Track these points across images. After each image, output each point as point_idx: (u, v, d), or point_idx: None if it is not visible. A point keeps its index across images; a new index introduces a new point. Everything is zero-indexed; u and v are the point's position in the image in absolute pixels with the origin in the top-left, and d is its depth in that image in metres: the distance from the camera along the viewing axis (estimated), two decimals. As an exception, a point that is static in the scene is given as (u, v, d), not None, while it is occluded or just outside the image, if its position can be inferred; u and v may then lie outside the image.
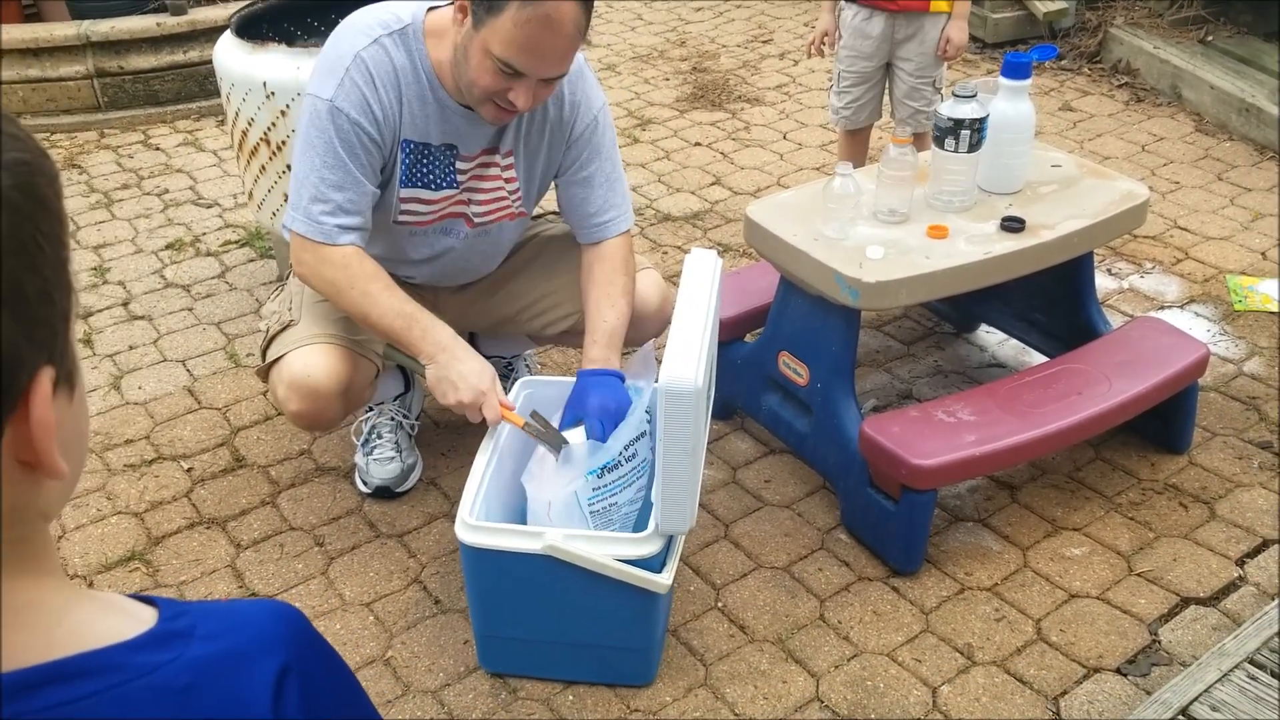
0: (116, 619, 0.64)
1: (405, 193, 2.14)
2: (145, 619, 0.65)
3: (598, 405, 2.04)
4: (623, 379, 2.12)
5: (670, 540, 1.95)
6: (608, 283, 2.22)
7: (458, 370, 2.06)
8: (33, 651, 0.59)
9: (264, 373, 2.27)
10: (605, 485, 1.99)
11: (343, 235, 2.06)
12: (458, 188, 2.17)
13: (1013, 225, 2.36)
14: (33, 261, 0.57)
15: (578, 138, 2.19)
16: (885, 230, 2.37)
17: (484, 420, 2.08)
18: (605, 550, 1.88)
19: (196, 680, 0.63)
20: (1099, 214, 2.44)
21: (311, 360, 2.17)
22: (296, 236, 2.08)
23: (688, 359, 1.76)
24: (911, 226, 2.38)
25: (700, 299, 1.91)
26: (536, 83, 1.94)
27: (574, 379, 2.17)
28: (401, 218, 2.18)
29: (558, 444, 2.04)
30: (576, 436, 2.02)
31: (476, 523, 1.92)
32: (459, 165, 2.14)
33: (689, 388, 1.73)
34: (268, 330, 2.28)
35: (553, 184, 2.31)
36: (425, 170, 2.13)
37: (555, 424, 2.09)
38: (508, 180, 2.21)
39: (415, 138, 2.09)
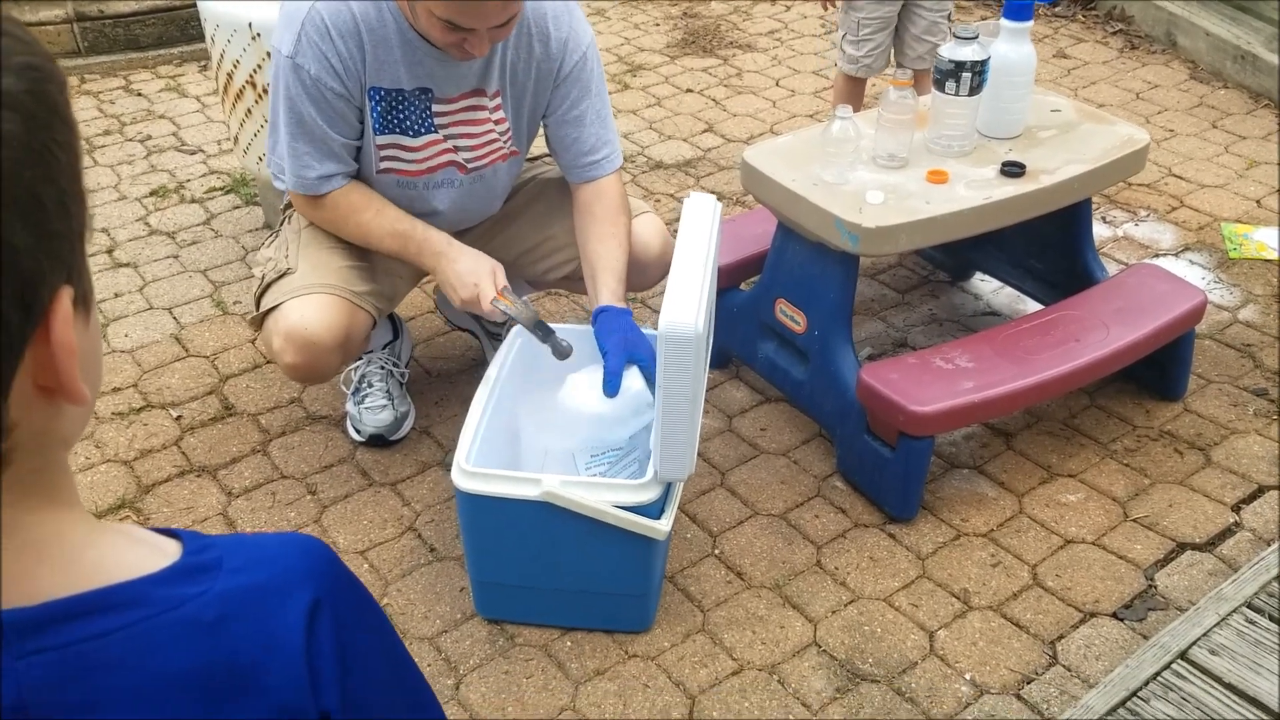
0: (140, 552, 0.62)
1: (382, 139, 2.11)
2: (170, 552, 0.62)
3: (647, 347, 2.02)
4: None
5: (669, 487, 1.93)
6: (611, 221, 2.20)
7: (454, 271, 2.10)
8: (56, 585, 0.57)
9: (257, 321, 2.23)
10: (602, 457, 1.98)
11: (325, 184, 2.12)
12: (437, 131, 2.13)
13: (1013, 170, 2.34)
14: (48, 171, 0.54)
15: (566, 76, 2.15)
16: (884, 175, 2.34)
17: (501, 320, 2.13)
18: (604, 497, 1.86)
19: (226, 614, 0.60)
20: (1099, 159, 2.41)
21: (309, 311, 2.13)
22: (292, 190, 2.13)
23: (688, 303, 1.73)
24: (911, 171, 2.35)
25: (700, 244, 1.88)
26: (490, 29, 1.91)
27: (570, 326, 2.14)
28: (383, 165, 2.14)
29: (554, 345, 2.05)
30: (633, 379, 2.00)
31: (473, 469, 1.90)
32: (435, 109, 2.10)
33: (689, 333, 1.71)
34: (262, 277, 2.24)
35: (541, 124, 2.27)
36: (400, 116, 2.09)
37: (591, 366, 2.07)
38: (497, 121, 2.17)
39: (385, 84, 2.05)
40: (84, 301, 0.59)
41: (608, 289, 2.12)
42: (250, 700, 0.60)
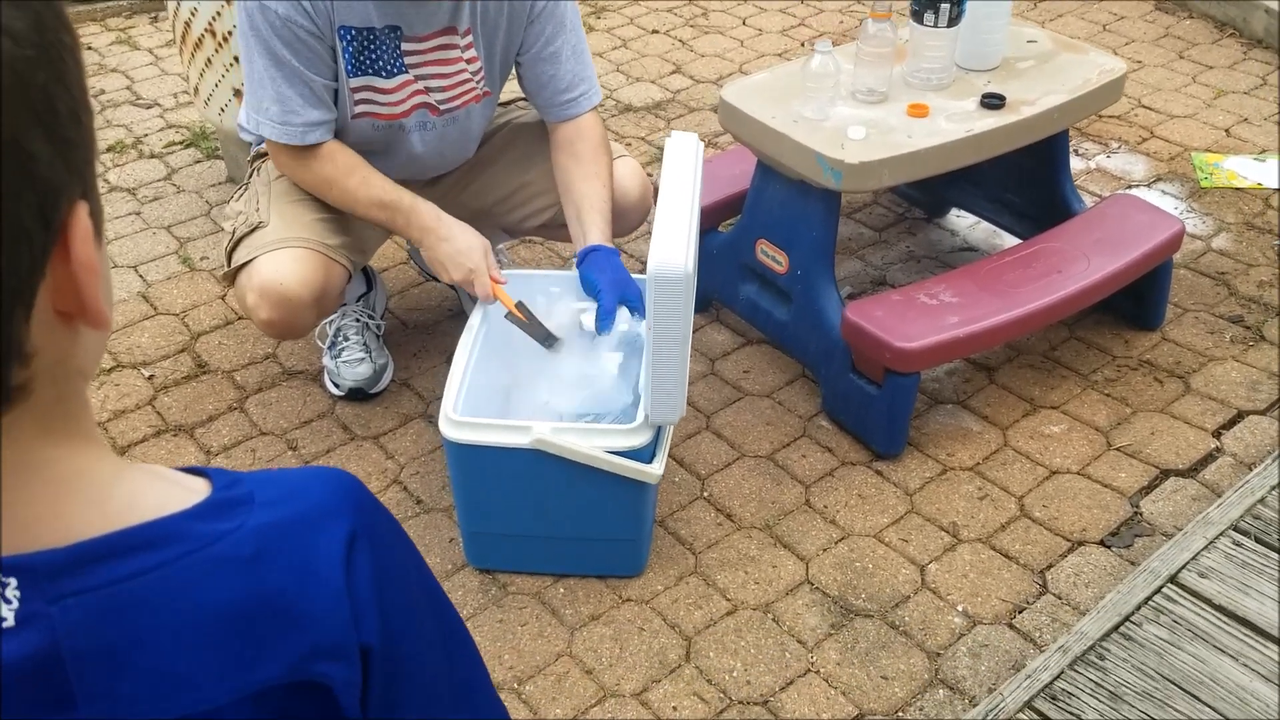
0: (168, 488, 0.59)
1: (355, 82, 2.05)
2: (198, 489, 0.60)
3: (635, 289, 2.01)
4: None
5: (659, 430, 1.92)
6: (594, 159, 2.16)
7: (445, 251, 2.06)
8: (89, 524, 0.54)
9: (230, 277, 2.18)
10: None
11: (311, 133, 2.04)
12: (407, 72, 2.07)
13: (993, 102, 2.32)
14: (61, 74, 0.51)
15: (540, 13, 2.10)
16: (865, 110, 2.31)
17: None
18: (595, 443, 1.85)
19: (264, 548, 0.58)
20: (1078, 89, 2.40)
21: (284, 266, 2.08)
22: (270, 142, 2.07)
23: (676, 244, 1.71)
24: (891, 106, 2.32)
25: (684, 183, 1.85)
26: None
27: (554, 271, 2.12)
28: (358, 109, 2.09)
29: (544, 338, 2.00)
30: (621, 322, 1.99)
31: (461, 418, 1.87)
32: (405, 47, 2.05)
33: (679, 273, 1.68)
34: (234, 232, 2.18)
35: (515, 65, 2.22)
36: (372, 55, 2.03)
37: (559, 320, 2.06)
38: (469, 61, 2.11)
39: (355, 23, 1.99)
40: (97, 220, 0.55)
41: (596, 228, 2.09)
42: (292, 635, 0.58)
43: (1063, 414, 2.42)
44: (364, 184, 2.07)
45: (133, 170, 3.35)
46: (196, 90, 2.97)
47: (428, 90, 2.11)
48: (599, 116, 2.23)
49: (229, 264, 2.18)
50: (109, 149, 3.45)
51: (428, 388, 2.52)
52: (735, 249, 2.53)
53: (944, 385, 2.51)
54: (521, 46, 2.14)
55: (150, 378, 2.58)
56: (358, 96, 2.07)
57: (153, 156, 3.42)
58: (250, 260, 2.11)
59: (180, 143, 3.48)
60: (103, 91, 3.78)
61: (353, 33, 1.99)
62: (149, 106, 3.69)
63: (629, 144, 3.44)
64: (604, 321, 1.96)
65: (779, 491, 2.25)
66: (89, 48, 4.06)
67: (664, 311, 1.72)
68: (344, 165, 2.06)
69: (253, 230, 2.15)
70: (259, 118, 2.03)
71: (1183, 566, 1.91)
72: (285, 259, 2.09)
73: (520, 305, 2.05)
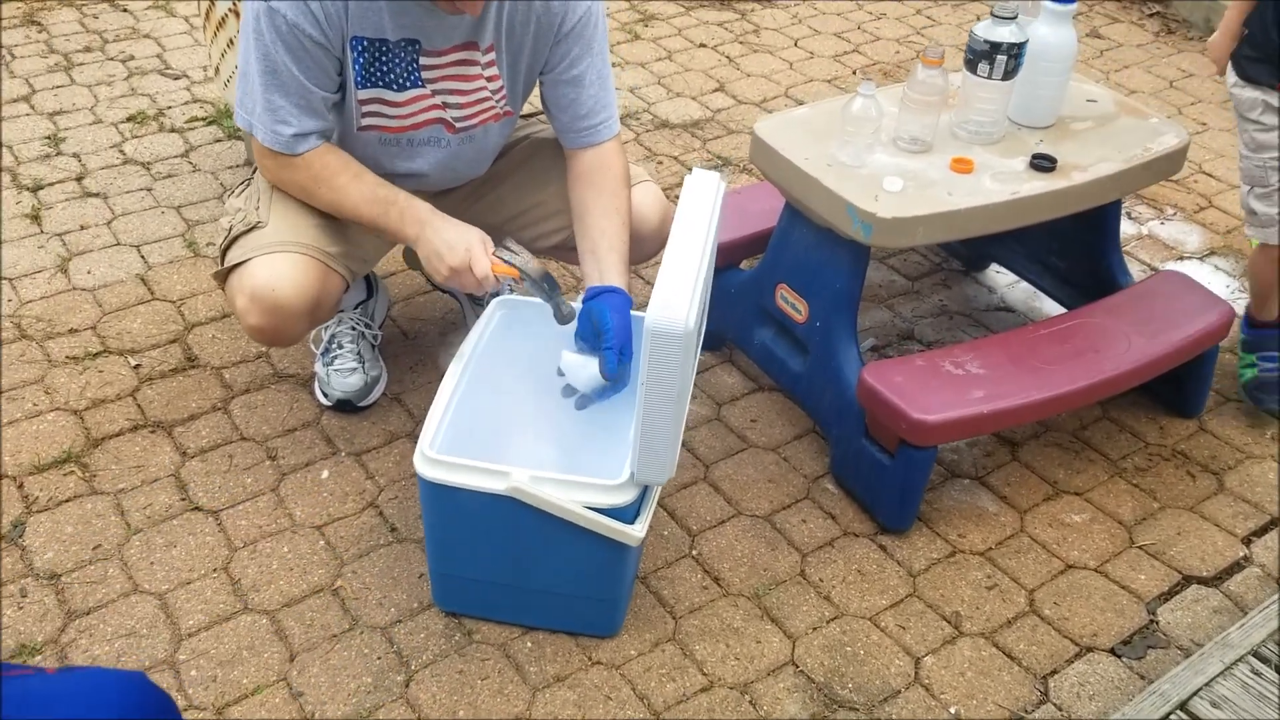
0: None
1: (364, 94, 1.93)
2: None
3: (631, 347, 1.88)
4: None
5: (646, 489, 1.79)
6: (613, 194, 2.03)
7: (441, 239, 1.92)
8: None
9: (222, 276, 2.06)
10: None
11: (301, 143, 1.92)
12: (424, 86, 1.95)
13: (1043, 164, 2.17)
14: None
15: (568, 33, 1.97)
16: (905, 159, 2.17)
17: (486, 291, 1.94)
18: (574, 496, 1.72)
19: None
20: (1135, 158, 2.24)
21: (278, 271, 1.96)
22: (257, 142, 1.95)
23: (679, 296, 1.58)
24: (934, 157, 2.18)
25: (698, 227, 1.71)
26: None
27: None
28: (365, 121, 1.97)
29: (557, 305, 1.88)
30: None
31: (437, 456, 1.75)
32: (423, 61, 1.92)
33: (678, 329, 1.55)
34: (230, 229, 2.06)
35: (538, 82, 2.09)
36: (384, 69, 1.91)
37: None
38: (490, 79, 1.99)
39: (368, 34, 1.87)
40: None
41: (616, 271, 1.95)
42: None
43: (1086, 502, 2.26)
44: (355, 180, 1.94)
45: (150, 143, 3.26)
46: (217, 70, 2.87)
47: (445, 106, 1.98)
48: (621, 146, 2.09)
49: (222, 262, 2.06)
50: (129, 118, 3.35)
51: (420, 406, 2.40)
52: (755, 290, 2.39)
53: (963, 457, 2.36)
54: (545, 65, 2.02)
55: (136, 367, 2.48)
56: (366, 109, 1.95)
57: (173, 130, 3.32)
58: (244, 261, 2.00)
59: (203, 118, 3.38)
60: (131, 57, 3.69)
61: (365, 43, 1.87)
62: (177, 78, 3.60)
63: (660, 162, 3.31)
64: (610, 363, 1.83)
65: (773, 558, 2.11)
66: (124, 9, 3.98)
67: (659, 367, 1.59)
68: (334, 165, 1.94)
69: (250, 229, 2.03)
70: (248, 117, 1.92)
71: (1195, 692, 1.76)
72: (281, 264, 1.98)
73: (520, 266, 1.91)
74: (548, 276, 1.90)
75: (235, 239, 2.04)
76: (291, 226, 2.02)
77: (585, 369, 1.85)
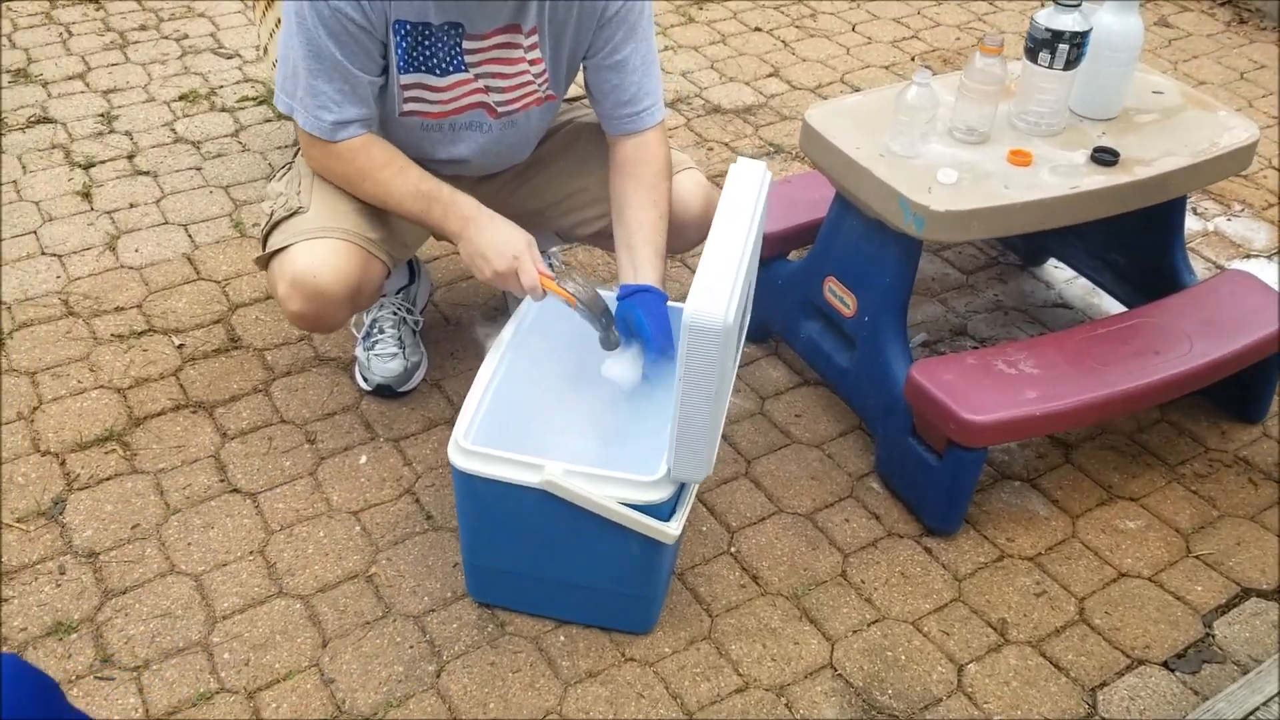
0: None
1: (406, 79, 1.90)
2: None
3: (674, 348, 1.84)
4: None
5: (683, 486, 1.74)
6: (653, 186, 1.98)
7: (486, 240, 1.88)
8: None
9: (264, 261, 2.05)
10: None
11: (342, 130, 1.89)
12: (467, 70, 1.91)
13: (1104, 158, 2.09)
14: None
15: (612, 17, 1.92)
16: (961, 151, 2.10)
17: (533, 300, 1.90)
18: (609, 491, 1.68)
19: None
20: (1201, 153, 2.15)
21: (319, 258, 1.94)
22: (301, 130, 1.93)
23: (719, 290, 1.53)
24: (990, 149, 2.11)
25: (741, 218, 1.66)
26: None
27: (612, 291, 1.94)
28: (407, 107, 1.94)
29: (606, 327, 1.84)
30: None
31: (471, 447, 1.72)
32: (466, 45, 1.89)
33: (717, 325, 1.51)
34: (271, 214, 2.05)
35: (581, 66, 2.05)
36: (427, 53, 1.88)
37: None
38: (533, 62, 1.95)
39: (410, 18, 1.84)
40: None
41: (651, 267, 1.91)
42: None
43: (1142, 508, 2.19)
44: (400, 174, 1.92)
45: (201, 123, 3.26)
46: (265, 50, 2.86)
47: (487, 90, 1.95)
48: (664, 135, 2.05)
49: (263, 248, 2.05)
50: (181, 97, 3.36)
51: (460, 392, 2.38)
52: (802, 282, 2.33)
53: (1014, 459, 2.29)
54: (589, 49, 1.97)
55: (180, 347, 2.48)
56: (408, 94, 1.92)
57: (224, 110, 3.33)
58: (285, 247, 1.98)
59: (254, 98, 3.38)
60: (186, 36, 3.70)
61: (407, 27, 1.84)
62: (229, 57, 3.61)
63: (710, 148, 3.25)
64: (654, 356, 1.79)
65: (814, 557, 2.06)
66: (181, -10, 3.99)
67: (697, 363, 1.54)
68: (379, 158, 1.91)
69: (291, 215, 2.02)
70: (290, 101, 1.90)
71: (1252, 712, 1.69)
72: (322, 250, 1.96)
73: (573, 292, 1.86)
74: (604, 308, 1.85)
75: (277, 224, 2.03)
76: (333, 212, 2.00)
77: (627, 373, 1.83)
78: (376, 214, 2.02)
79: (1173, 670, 1.89)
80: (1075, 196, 2.01)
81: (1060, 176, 2.05)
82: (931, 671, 1.87)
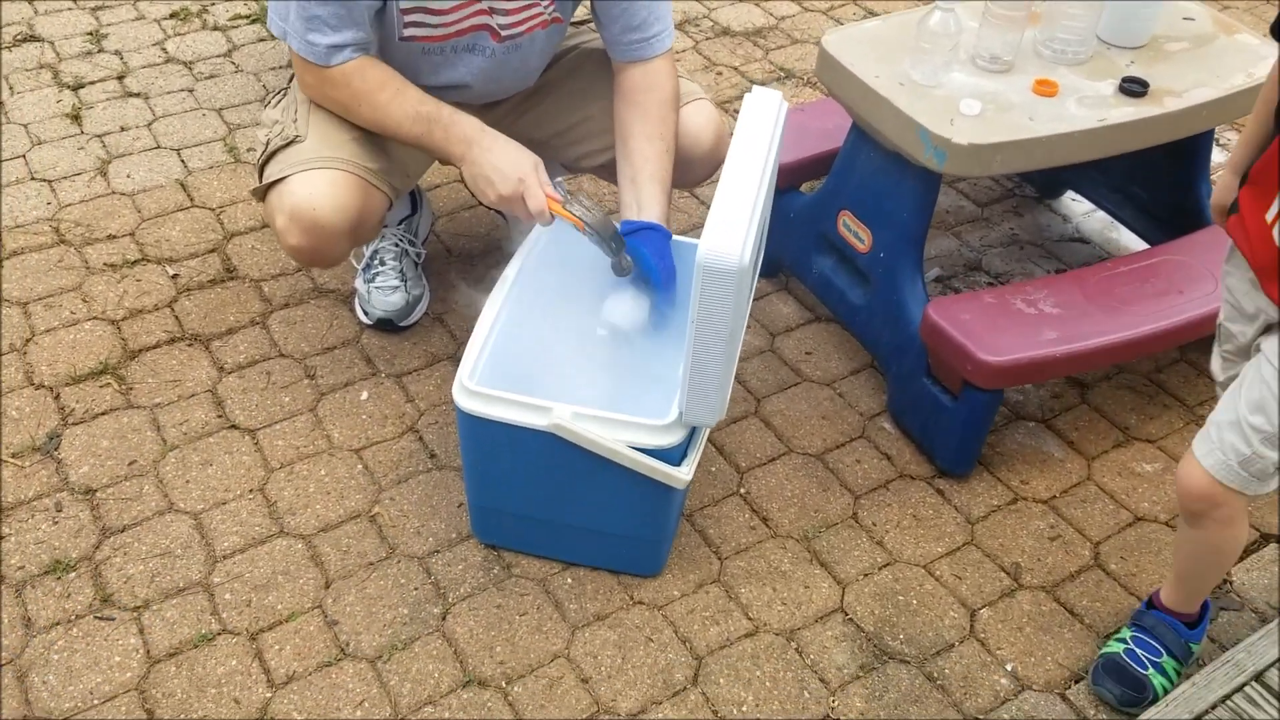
0: None
1: (407, 3, 1.81)
2: None
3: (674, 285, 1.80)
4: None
5: (694, 429, 1.70)
6: (660, 118, 1.90)
7: (490, 163, 1.80)
8: None
9: (260, 193, 1.97)
10: None
11: (336, 55, 1.81)
12: None
13: (1133, 89, 2.01)
14: None
15: None
16: (984, 80, 2.01)
17: (540, 224, 1.83)
18: (619, 435, 1.64)
19: None
20: (1235, 84, 2.06)
21: (318, 189, 1.87)
22: (295, 55, 1.84)
23: (734, 229, 1.46)
24: (1015, 78, 2.02)
25: (756, 153, 1.59)
26: None
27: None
28: (407, 32, 1.85)
29: (610, 234, 1.76)
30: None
31: (476, 388, 1.67)
32: None
33: (732, 265, 1.44)
34: (268, 143, 1.97)
35: None
36: None
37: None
38: None
39: None
40: None
41: (655, 203, 1.84)
42: None
43: (1159, 450, 2.14)
44: (397, 96, 1.83)
45: (193, 42, 3.15)
46: (259, -34, 2.75)
47: (491, 12, 1.86)
48: (673, 65, 1.96)
49: (259, 178, 1.97)
50: (172, 15, 3.25)
51: (463, 327, 2.32)
52: (815, 216, 2.26)
53: (1029, 398, 2.24)
54: None
55: (174, 277, 2.42)
56: (408, 19, 1.83)
57: (216, 29, 3.22)
58: (283, 178, 1.91)
59: (247, 16, 3.27)
60: (176, -49, 3.56)
61: None
62: (221, -27, 3.47)
63: (719, 72, 3.15)
64: (659, 296, 1.75)
65: (824, 499, 2.02)
66: (170, -99, 3.83)
67: (711, 305, 1.48)
68: (374, 80, 1.83)
69: (288, 144, 1.94)
70: (284, 25, 1.81)
71: (1272, 664, 1.66)
72: (320, 181, 1.88)
73: (581, 216, 1.79)
74: (614, 231, 1.78)
75: (273, 154, 1.95)
76: (331, 140, 1.92)
77: (631, 313, 1.77)
78: (377, 142, 1.94)
79: (1188, 617, 1.86)
80: (1103, 130, 1.93)
81: (1087, 108, 1.97)
82: (944, 616, 1.84)
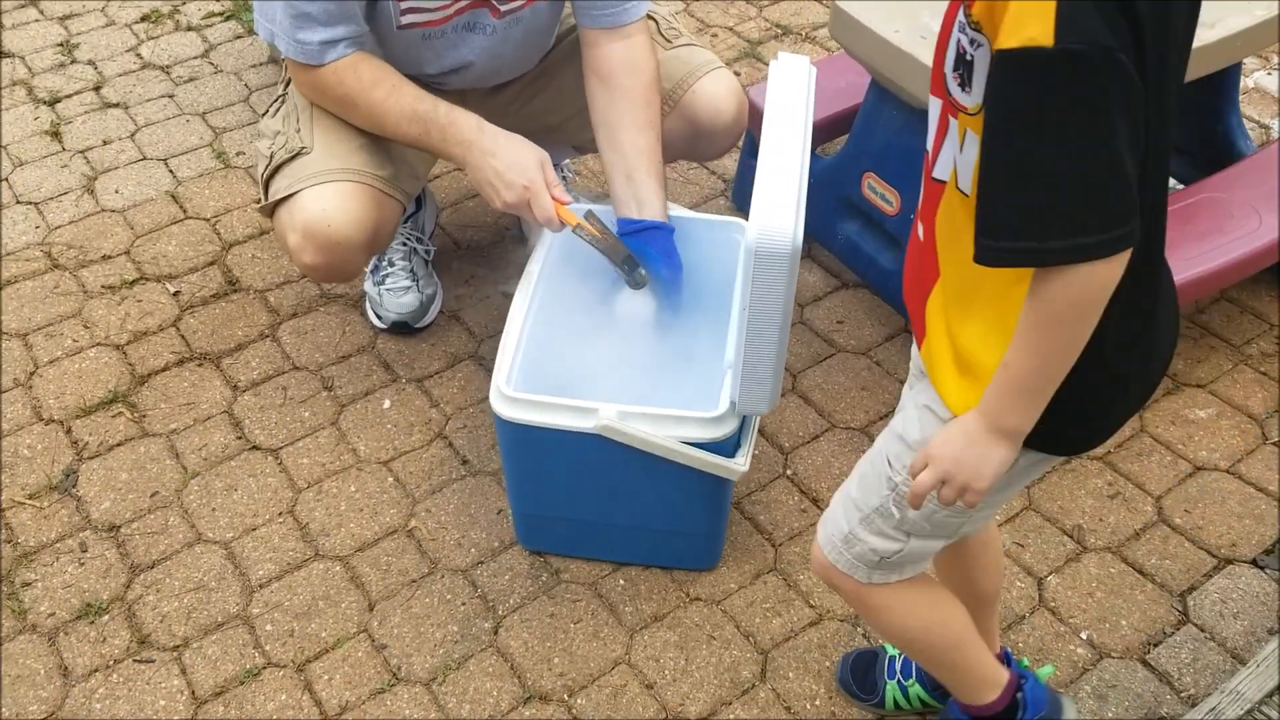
0: None
1: None
2: None
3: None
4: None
5: (744, 419, 1.62)
6: (647, 104, 1.80)
7: (492, 168, 1.71)
8: None
9: (268, 210, 1.88)
10: None
11: (329, 51, 1.72)
12: None
13: (1164, 22, 1.92)
14: None
15: None
16: (1009, 27, 1.92)
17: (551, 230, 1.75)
18: (670, 431, 1.56)
19: None
20: (1269, 9, 1.98)
21: (331, 203, 1.78)
22: (287, 57, 1.76)
23: (783, 208, 1.38)
24: (1041, 22, 1.93)
25: (794, 124, 1.50)
26: None
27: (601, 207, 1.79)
28: (405, 19, 1.76)
29: (625, 260, 1.70)
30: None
31: (516, 394, 1.59)
32: None
33: (785, 247, 1.37)
34: (271, 156, 1.87)
35: None
36: None
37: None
38: None
39: None
40: None
41: (656, 199, 1.75)
42: None
43: (1211, 395, 2.08)
44: (393, 94, 1.74)
45: (167, 45, 3.04)
46: (232, -38, 2.64)
47: None
48: (650, 37, 1.85)
49: (266, 195, 1.88)
50: (143, 18, 3.13)
51: (480, 323, 2.24)
52: (837, 179, 2.18)
53: (1070, 351, 2.17)
54: None
55: (176, 294, 2.33)
56: (404, 5, 1.74)
57: (190, 29, 3.10)
58: (292, 194, 1.81)
59: (220, 14, 3.15)
60: (139, -49, 3.43)
61: None
62: (188, -30, 3.35)
63: (714, 35, 3.05)
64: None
65: (875, 474, 1.95)
66: (127, -101, 3.69)
67: (764, 290, 1.41)
68: (368, 78, 1.73)
69: (294, 157, 1.84)
70: (271, 26, 1.71)
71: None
72: (332, 195, 1.79)
73: (590, 219, 1.72)
74: (627, 255, 1.71)
75: (278, 168, 1.85)
76: (338, 151, 1.82)
77: (640, 313, 1.75)
78: (384, 147, 1.85)
79: (1262, 568, 1.80)
80: (1139, 69, 1.84)
81: (1120, 47, 1.88)
82: (1010, 588, 1.78)
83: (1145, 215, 0.96)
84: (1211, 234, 1.98)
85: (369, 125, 1.79)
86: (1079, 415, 1.12)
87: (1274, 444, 1.99)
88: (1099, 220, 0.93)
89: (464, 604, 1.77)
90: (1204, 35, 1.91)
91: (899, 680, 1.58)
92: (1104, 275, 0.95)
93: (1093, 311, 0.98)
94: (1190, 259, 1.93)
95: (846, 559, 1.30)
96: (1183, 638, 1.71)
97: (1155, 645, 1.70)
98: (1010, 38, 0.90)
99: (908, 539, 1.26)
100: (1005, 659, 1.48)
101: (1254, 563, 1.81)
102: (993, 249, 0.97)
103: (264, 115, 1.97)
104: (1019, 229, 0.95)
